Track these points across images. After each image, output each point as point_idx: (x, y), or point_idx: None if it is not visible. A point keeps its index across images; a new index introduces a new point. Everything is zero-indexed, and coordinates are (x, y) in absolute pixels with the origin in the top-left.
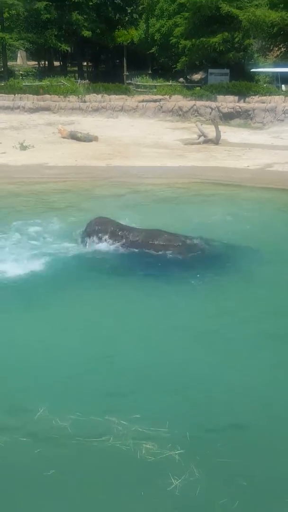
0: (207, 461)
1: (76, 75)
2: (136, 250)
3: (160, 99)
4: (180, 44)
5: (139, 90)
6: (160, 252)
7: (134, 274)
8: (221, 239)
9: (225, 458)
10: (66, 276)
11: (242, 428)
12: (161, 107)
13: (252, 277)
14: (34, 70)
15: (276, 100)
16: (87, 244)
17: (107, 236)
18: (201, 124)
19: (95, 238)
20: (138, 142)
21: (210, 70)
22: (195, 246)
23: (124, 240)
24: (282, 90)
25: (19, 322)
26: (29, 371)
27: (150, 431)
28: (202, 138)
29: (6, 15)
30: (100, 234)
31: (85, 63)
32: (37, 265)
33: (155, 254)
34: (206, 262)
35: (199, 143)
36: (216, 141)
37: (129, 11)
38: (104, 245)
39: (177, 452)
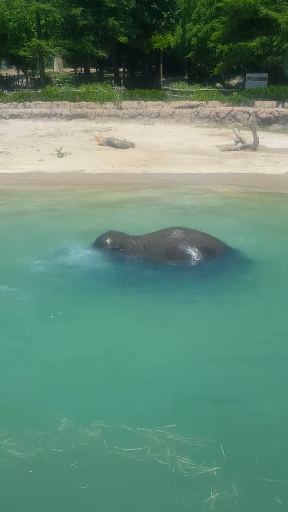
0: (245, 478)
1: (113, 81)
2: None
3: (197, 105)
4: (217, 48)
5: (176, 96)
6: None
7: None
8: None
9: (264, 477)
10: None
11: (282, 447)
12: (198, 113)
13: None
14: (70, 77)
15: None
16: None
17: (118, 249)
18: (239, 130)
19: (106, 252)
20: (174, 148)
21: (247, 75)
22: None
23: (137, 253)
24: None
25: (37, 335)
26: (48, 381)
27: (186, 442)
28: (239, 144)
29: (43, 22)
30: (111, 247)
31: (121, 69)
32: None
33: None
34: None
35: (236, 149)
36: (254, 147)
37: (165, 16)
38: (115, 258)
39: (214, 468)
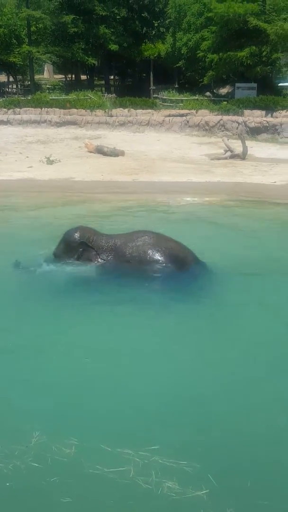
0: (237, 501)
1: (103, 89)
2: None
3: (187, 114)
4: (207, 58)
5: (166, 104)
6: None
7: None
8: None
9: (258, 499)
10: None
11: (274, 467)
12: (188, 121)
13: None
14: (61, 83)
15: None
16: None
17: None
18: (228, 139)
19: (74, 252)
20: (164, 157)
21: (237, 84)
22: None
23: (111, 254)
24: None
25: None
26: (21, 391)
27: (171, 464)
28: (228, 153)
29: (33, 28)
30: (79, 243)
31: (112, 77)
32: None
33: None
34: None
35: (225, 158)
36: (242, 156)
37: (156, 25)
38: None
39: (204, 491)
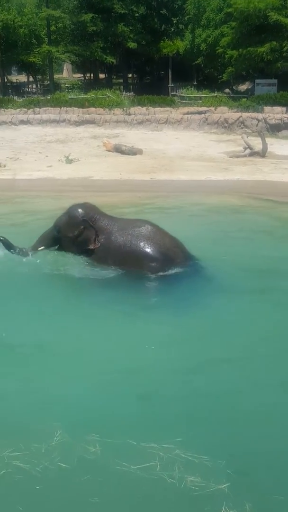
0: (258, 494)
1: (121, 87)
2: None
3: (205, 111)
4: (227, 54)
5: (184, 102)
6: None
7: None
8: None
9: (279, 494)
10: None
11: None
12: (206, 119)
13: None
14: (79, 82)
15: None
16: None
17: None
18: (247, 136)
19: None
20: (182, 155)
21: (257, 81)
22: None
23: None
24: None
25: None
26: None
27: (194, 458)
28: (248, 151)
29: (53, 28)
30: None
31: (130, 75)
32: None
33: None
34: None
35: (245, 156)
36: (262, 153)
37: (175, 21)
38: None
39: (225, 485)
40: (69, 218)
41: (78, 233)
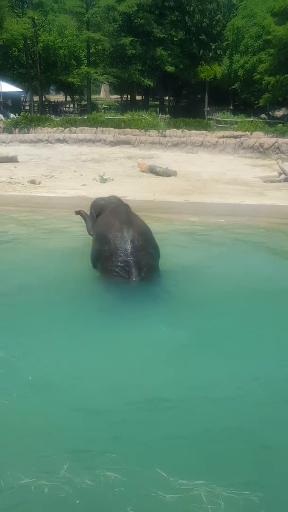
0: None
1: (158, 109)
2: None
3: (241, 136)
4: (264, 80)
5: (220, 125)
6: None
7: None
8: None
9: None
10: None
11: None
12: (242, 143)
13: None
14: (116, 103)
15: None
16: None
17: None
18: (282, 162)
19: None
20: (216, 178)
21: None
22: None
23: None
24: None
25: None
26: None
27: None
28: (282, 176)
29: (92, 50)
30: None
31: (166, 98)
32: None
33: None
34: None
35: (279, 181)
36: None
37: (213, 47)
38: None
39: None
40: (91, 205)
41: (91, 221)
